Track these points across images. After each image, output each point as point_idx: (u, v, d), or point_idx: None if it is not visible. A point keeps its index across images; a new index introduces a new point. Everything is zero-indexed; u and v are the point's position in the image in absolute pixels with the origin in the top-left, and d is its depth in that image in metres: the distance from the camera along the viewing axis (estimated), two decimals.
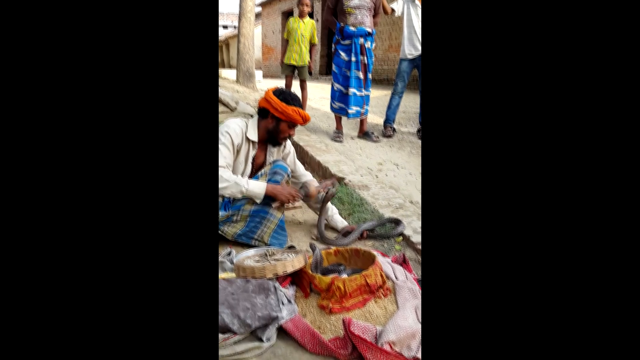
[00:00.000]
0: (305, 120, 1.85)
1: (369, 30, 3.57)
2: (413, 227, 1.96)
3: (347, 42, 3.57)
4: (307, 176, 2.10)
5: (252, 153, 1.92)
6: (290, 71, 4.73)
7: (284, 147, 2.02)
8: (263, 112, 1.87)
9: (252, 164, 1.93)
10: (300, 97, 4.83)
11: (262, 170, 1.91)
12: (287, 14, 13.23)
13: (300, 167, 2.11)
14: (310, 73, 4.76)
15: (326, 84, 9.98)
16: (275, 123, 1.85)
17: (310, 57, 4.66)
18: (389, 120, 4.03)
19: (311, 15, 4.70)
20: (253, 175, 1.95)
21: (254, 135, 1.88)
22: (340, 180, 2.64)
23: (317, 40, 4.67)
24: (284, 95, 1.84)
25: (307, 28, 4.58)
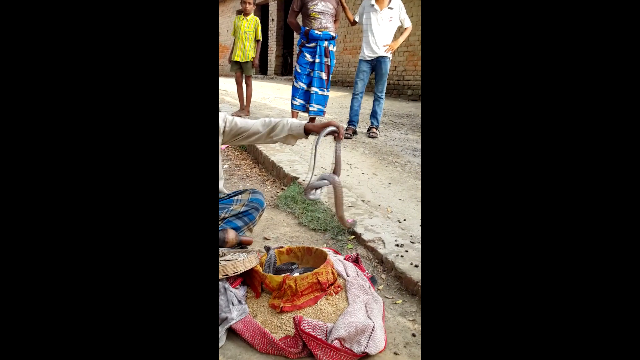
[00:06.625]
0: None
1: (333, 34, 3.87)
2: (364, 225, 1.99)
3: (312, 44, 3.81)
4: (254, 124, 1.75)
5: None
6: (238, 68, 5.00)
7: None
8: None
9: None
10: (245, 94, 4.92)
11: (240, 197, 1.82)
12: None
13: (246, 122, 1.76)
14: (254, 69, 4.98)
15: (282, 84, 9.91)
16: None
17: (255, 54, 4.90)
18: (352, 122, 4.09)
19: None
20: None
21: None
22: (294, 179, 2.64)
23: (260, 36, 4.92)
24: None
25: (250, 25, 4.84)
